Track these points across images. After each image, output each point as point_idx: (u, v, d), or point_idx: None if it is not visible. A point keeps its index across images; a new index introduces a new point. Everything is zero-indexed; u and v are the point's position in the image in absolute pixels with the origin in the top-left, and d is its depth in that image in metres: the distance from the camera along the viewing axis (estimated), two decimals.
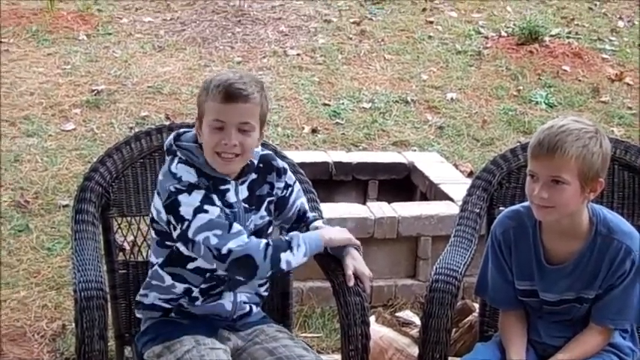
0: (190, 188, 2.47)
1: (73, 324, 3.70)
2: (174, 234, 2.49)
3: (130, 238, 2.93)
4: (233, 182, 2.55)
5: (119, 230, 2.89)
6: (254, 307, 2.67)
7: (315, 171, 4.59)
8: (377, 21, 8.33)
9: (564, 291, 2.57)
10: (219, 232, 2.43)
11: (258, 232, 2.59)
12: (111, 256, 2.82)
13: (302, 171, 2.93)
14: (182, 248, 2.53)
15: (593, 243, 2.53)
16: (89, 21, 7.94)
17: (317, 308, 4.06)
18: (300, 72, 7.12)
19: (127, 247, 2.98)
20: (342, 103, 6.59)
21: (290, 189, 2.71)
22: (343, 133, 6.12)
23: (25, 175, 5.24)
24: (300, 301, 4.04)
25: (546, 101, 6.91)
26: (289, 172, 2.72)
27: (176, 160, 2.52)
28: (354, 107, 6.56)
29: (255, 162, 2.62)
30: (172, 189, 2.47)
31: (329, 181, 4.81)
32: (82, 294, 2.45)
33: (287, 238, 2.52)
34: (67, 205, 4.88)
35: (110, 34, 7.73)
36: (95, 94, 6.42)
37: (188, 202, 2.45)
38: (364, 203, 4.56)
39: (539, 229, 2.57)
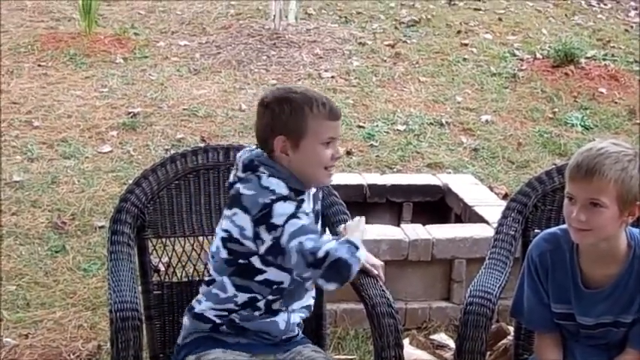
0: (284, 198, 2.50)
1: (109, 344, 3.75)
2: (262, 248, 2.49)
3: (165, 259, 2.95)
4: (307, 193, 2.62)
5: (154, 251, 2.91)
6: (299, 331, 2.69)
7: (349, 193, 4.58)
8: (411, 43, 8.35)
9: (601, 315, 2.54)
10: (313, 236, 2.46)
11: None
12: (146, 277, 2.84)
13: (336, 193, 2.93)
14: (257, 263, 2.54)
15: (631, 267, 2.50)
16: (126, 44, 8.04)
17: (351, 330, 4.05)
18: (335, 94, 7.14)
19: (162, 268, 2.99)
20: (377, 126, 6.59)
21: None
22: (377, 155, 6.12)
23: (62, 196, 5.30)
24: (334, 323, 4.03)
25: (582, 124, 6.87)
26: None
27: (265, 175, 2.54)
28: (388, 129, 6.56)
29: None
30: (267, 201, 2.49)
31: (363, 204, 4.80)
32: (118, 314, 2.46)
33: (344, 240, 2.53)
34: (103, 227, 4.92)
35: (146, 57, 7.81)
36: (131, 117, 6.49)
37: (282, 211, 2.47)
38: (398, 225, 4.55)
39: (576, 252, 2.55)
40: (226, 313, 2.59)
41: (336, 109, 2.58)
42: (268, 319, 2.60)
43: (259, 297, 2.58)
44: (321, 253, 2.41)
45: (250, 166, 2.56)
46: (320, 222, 2.74)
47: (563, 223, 2.91)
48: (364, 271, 2.68)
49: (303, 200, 2.58)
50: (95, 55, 7.74)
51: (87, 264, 4.59)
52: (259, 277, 2.56)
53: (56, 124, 6.35)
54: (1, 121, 6.33)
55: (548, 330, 2.63)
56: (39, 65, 7.51)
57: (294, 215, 2.48)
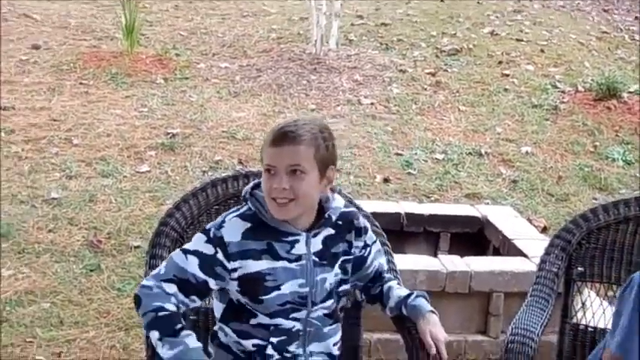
0: (207, 233, 2.44)
1: None
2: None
3: None
4: (304, 234, 2.49)
5: None
6: None
7: (386, 221, 4.52)
8: (452, 72, 8.31)
9: None
10: (154, 273, 2.43)
11: (332, 291, 2.54)
12: None
13: (377, 222, 2.89)
14: (243, 300, 2.49)
15: None
16: (167, 65, 8.09)
17: None
18: (374, 121, 7.12)
19: None
20: (415, 154, 6.56)
21: (369, 249, 2.64)
22: (415, 184, 6.08)
23: (99, 215, 5.31)
24: (368, 353, 3.99)
25: (623, 158, 6.79)
26: (370, 232, 2.65)
27: (239, 212, 2.48)
28: (426, 158, 6.52)
29: (334, 217, 2.55)
30: (205, 227, 2.47)
31: (400, 232, 4.76)
32: None
33: (182, 342, 2.35)
34: (138, 247, 4.93)
35: (187, 78, 7.85)
36: (170, 137, 6.51)
37: (179, 255, 2.44)
38: (435, 256, 4.50)
39: None
40: (247, 354, 2.52)
41: (279, 135, 2.39)
42: None
43: (262, 342, 2.49)
44: (139, 286, 2.43)
45: (244, 197, 2.51)
46: (344, 264, 2.56)
47: (609, 262, 2.87)
48: (421, 346, 2.53)
49: (289, 241, 2.46)
50: (136, 75, 7.80)
51: (121, 284, 4.59)
52: (253, 321, 2.49)
53: (95, 143, 6.38)
54: (41, 138, 6.37)
55: None
56: (80, 83, 7.57)
57: (185, 250, 2.44)
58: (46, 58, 8.13)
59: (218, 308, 2.57)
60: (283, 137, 2.39)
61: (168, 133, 6.58)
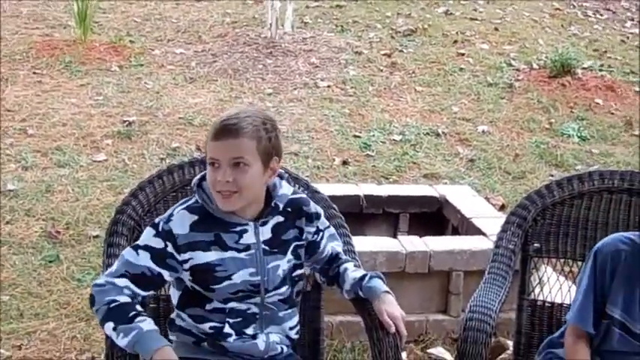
0: (155, 226, 2.47)
1: (102, 356, 3.72)
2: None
3: None
4: (251, 223, 2.51)
5: None
6: (285, 348, 2.63)
7: (345, 204, 4.54)
8: (408, 53, 8.34)
9: None
10: (107, 271, 2.47)
11: (285, 277, 2.56)
12: None
13: (335, 206, 2.90)
14: (197, 287, 2.50)
15: None
16: (121, 52, 8.01)
17: (347, 343, 4.02)
18: (331, 104, 7.13)
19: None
20: (373, 135, 6.57)
21: (321, 234, 2.66)
22: (374, 165, 6.10)
23: (57, 205, 5.26)
24: (330, 335, 4.00)
25: (579, 134, 6.86)
26: (322, 218, 2.66)
27: (186, 204, 2.51)
28: (384, 139, 6.55)
29: (281, 205, 2.57)
30: (154, 221, 2.50)
31: (359, 214, 4.78)
32: None
33: (137, 327, 2.35)
34: (97, 236, 4.89)
35: (142, 65, 7.79)
36: (127, 125, 6.46)
37: (130, 252, 2.47)
38: (395, 237, 4.52)
39: None
40: (205, 334, 2.54)
41: (221, 129, 2.41)
42: (248, 342, 2.54)
43: (219, 324, 2.51)
44: (93, 284, 2.46)
45: (192, 189, 2.53)
46: (296, 250, 2.59)
47: (564, 237, 2.91)
48: (381, 326, 2.54)
49: (237, 232, 2.49)
50: (90, 63, 7.72)
51: (81, 274, 4.56)
52: (209, 306, 2.51)
53: (51, 132, 6.31)
54: None
55: (588, 330, 2.58)
56: (34, 73, 7.48)
57: (135, 246, 2.47)
58: None
59: (174, 295, 2.58)
60: (225, 130, 2.40)
61: (125, 121, 6.53)
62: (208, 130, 2.48)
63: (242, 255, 2.49)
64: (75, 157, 5.93)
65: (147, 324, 2.36)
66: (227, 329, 2.51)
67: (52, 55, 7.84)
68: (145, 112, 6.73)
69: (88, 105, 6.84)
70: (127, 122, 6.51)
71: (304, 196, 2.67)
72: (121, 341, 2.34)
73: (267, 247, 2.53)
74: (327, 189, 3.49)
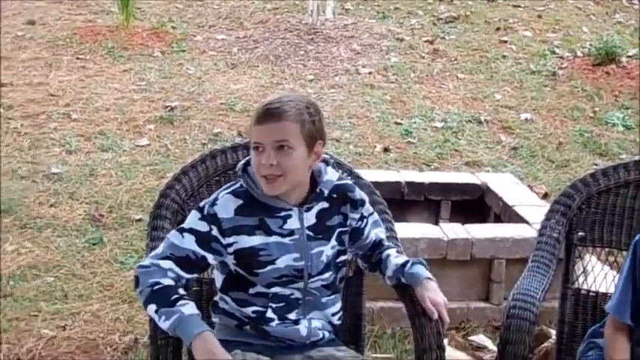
0: (201, 210, 2.47)
1: (145, 338, 3.77)
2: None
3: None
4: (296, 209, 2.51)
5: None
6: (327, 333, 2.63)
7: (386, 190, 4.52)
8: (450, 40, 8.29)
9: None
10: (153, 253, 2.48)
11: (329, 263, 2.56)
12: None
13: (378, 192, 2.90)
14: (241, 272, 2.51)
15: None
16: (164, 38, 8.06)
17: (387, 329, 4.02)
18: (372, 90, 7.11)
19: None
20: (414, 122, 6.55)
21: (365, 220, 2.65)
22: (415, 152, 6.08)
23: (100, 189, 5.32)
24: (371, 321, 4.00)
25: (623, 123, 6.78)
26: (367, 205, 2.66)
27: (231, 189, 2.51)
28: (426, 126, 6.52)
29: (326, 191, 2.56)
30: (199, 205, 2.50)
31: (401, 201, 4.77)
32: None
33: (178, 310, 2.36)
34: (140, 220, 4.94)
35: (184, 51, 7.83)
36: (169, 111, 6.50)
37: (187, 219, 2.48)
38: (436, 224, 4.51)
39: None
40: (248, 318, 2.55)
41: (264, 113, 2.40)
42: (290, 327, 2.54)
43: (262, 309, 2.52)
44: (137, 265, 2.45)
45: (237, 174, 2.54)
46: (340, 236, 2.58)
47: (609, 226, 2.88)
48: (423, 313, 2.53)
49: (281, 217, 2.48)
50: (133, 49, 7.77)
51: (124, 257, 4.60)
52: (252, 290, 2.51)
53: (94, 117, 6.37)
54: (40, 114, 6.36)
55: (625, 322, 2.54)
56: (77, 58, 7.55)
57: (180, 229, 2.47)
58: (42, 33, 8.10)
59: (218, 278, 2.59)
60: (268, 114, 2.40)
61: (167, 106, 6.57)
62: (251, 115, 2.49)
63: (286, 240, 2.49)
64: (118, 142, 5.98)
65: (188, 308, 2.37)
66: (270, 314, 2.52)
67: (95, 40, 7.90)
68: (186, 98, 6.77)
69: (131, 90, 6.89)
70: (170, 107, 6.55)
71: (349, 182, 2.65)
72: (163, 324, 2.36)
73: (311, 233, 2.52)
74: (368, 175, 3.48)
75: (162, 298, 2.38)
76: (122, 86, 6.97)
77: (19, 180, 5.39)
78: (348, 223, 2.60)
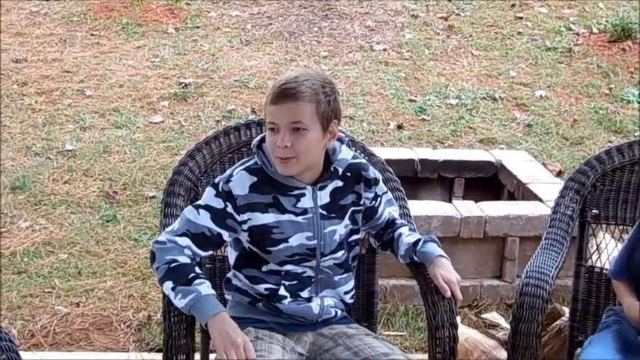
0: (216, 186, 2.47)
1: (159, 315, 3.79)
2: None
3: None
4: (309, 187, 2.50)
5: None
6: (339, 311, 2.63)
7: (400, 168, 4.52)
8: (465, 16, 8.23)
9: None
10: (169, 229, 2.48)
11: (342, 242, 2.56)
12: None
13: (390, 169, 2.89)
14: (254, 248, 2.52)
15: None
16: (178, 14, 8.04)
17: (400, 306, 4.03)
18: (387, 67, 7.08)
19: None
20: (429, 99, 6.52)
21: (379, 199, 2.64)
22: (429, 130, 6.06)
23: (114, 166, 5.33)
24: (384, 299, 4.01)
25: (639, 100, 6.73)
26: (381, 184, 2.65)
27: (246, 165, 2.50)
28: (440, 103, 6.49)
29: (341, 170, 2.55)
30: (214, 181, 2.49)
31: (414, 179, 4.77)
32: None
33: (195, 289, 2.37)
34: (154, 197, 4.95)
35: (198, 27, 7.81)
36: (183, 87, 6.50)
37: (191, 211, 2.48)
38: (449, 201, 4.50)
39: None
40: (260, 295, 2.55)
41: (280, 93, 2.38)
42: (302, 305, 2.55)
43: (275, 286, 2.52)
44: (153, 241, 2.47)
45: (252, 151, 2.53)
46: (353, 215, 2.57)
47: (623, 204, 2.87)
48: (436, 290, 2.53)
49: (295, 195, 2.48)
50: (147, 25, 7.76)
51: (137, 234, 4.62)
52: (265, 268, 2.52)
53: (108, 94, 6.38)
54: (54, 90, 6.37)
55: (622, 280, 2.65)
56: (91, 34, 7.55)
57: (196, 206, 2.47)
58: (57, 9, 8.09)
59: (232, 255, 2.60)
60: (284, 94, 2.39)
61: (181, 83, 6.57)
62: (264, 92, 2.48)
63: (299, 218, 2.49)
64: (132, 119, 5.99)
65: (205, 287, 2.38)
66: (282, 291, 2.52)
67: (109, 17, 7.89)
68: (200, 75, 6.76)
69: (145, 67, 6.89)
70: (183, 84, 6.55)
71: (364, 161, 2.64)
72: (179, 302, 2.37)
73: (324, 212, 2.52)
74: (382, 152, 3.47)
75: (180, 275, 2.39)
76: (136, 63, 6.97)
77: (33, 157, 5.41)
78: (361, 202, 2.60)
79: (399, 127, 6.06)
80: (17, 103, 6.16)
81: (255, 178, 2.48)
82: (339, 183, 2.55)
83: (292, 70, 2.28)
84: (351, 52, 7.37)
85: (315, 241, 2.50)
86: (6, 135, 5.66)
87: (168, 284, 2.39)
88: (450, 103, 6.50)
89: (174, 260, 2.41)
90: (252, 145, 2.53)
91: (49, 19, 7.90)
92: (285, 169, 2.45)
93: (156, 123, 5.96)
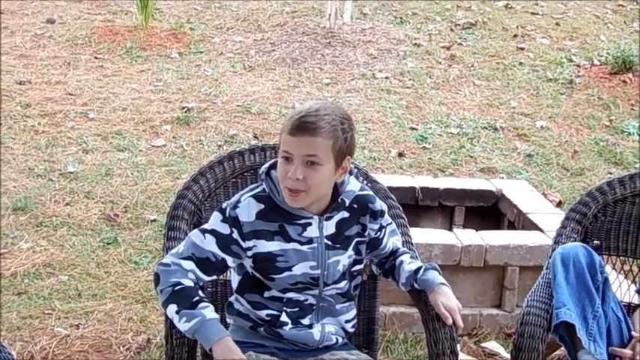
0: (223, 212, 2.47)
1: (158, 338, 3.79)
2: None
3: None
4: (316, 217, 2.51)
5: None
6: (340, 339, 2.64)
7: (401, 195, 4.53)
8: (467, 46, 8.28)
9: None
10: (174, 251, 2.49)
11: (345, 272, 2.57)
12: None
13: (393, 196, 2.91)
14: (257, 274, 2.52)
15: None
16: (181, 39, 8.09)
17: (400, 334, 4.02)
18: (389, 95, 7.12)
19: None
20: (430, 128, 6.55)
21: (384, 230, 2.66)
22: (430, 158, 6.08)
23: (116, 189, 5.34)
24: (383, 326, 4.00)
25: (639, 132, 6.75)
26: (386, 215, 2.66)
27: (254, 192, 2.51)
28: (441, 132, 6.52)
29: (348, 201, 2.56)
30: (222, 206, 2.50)
31: (415, 206, 4.77)
32: None
33: (200, 314, 2.37)
34: (155, 220, 4.96)
35: (202, 52, 7.85)
36: (185, 112, 6.52)
37: (210, 220, 2.48)
38: (450, 230, 4.51)
39: None
40: (262, 320, 2.56)
41: (299, 125, 2.37)
42: (304, 331, 2.55)
43: (276, 312, 2.53)
44: (156, 269, 2.46)
45: (260, 177, 2.53)
46: (357, 246, 2.58)
47: (625, 235, 2.88)
48: (437, 318, 2.54)
49: (301, 224, 2.49)
50: (151, 49, 7.80)
51: (138, 257, 4.62)
52: (267, 294, 2.53)
53: (111, 117, 6.40)
54: (57, 112, 6.40)
55: None
56: (95, 57, 7.58)
57: (202, 230, 2.48)
58: (61, 32, 8.14)
59: (235, 279, 2.61)
60: (303, 127, 2.39)
61: (184, 107, 6.59)
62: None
63: (304, 248, 2.50)
64: (134, 142, 6.01)
65: (209, 311, 2.38)
66: (284, 318, 2.53)
67: (114, 40, 7.94)
68: (203, 99, 6.79)
69: (148, 90, 6.92)
70: (186, 108, 6.57)
71: (371, 192, 2.65)
72: (182, 326, 2.37)
73: (329, 242, 2.53)
74: (383, 180, 3.48)
75: (184, 299, 2.40)
76: (139, 86, 7.00)
77: (35, 178, 5.42)
78: (366, 234, 2.61)
79: (400, 154, 6.08)
80: (20, 124, 6.18)
81: (262, 206, 2.48)
82: (346, 214, 2.57)
83: (313, 101, 2.26)
84: (354, 79, 7.41)
85: (318, 271, 2.51)
86: (8, 156, 5.68)
87: (172, 307, 2.39)
88: (451, 132, 6.52)
89: (179, 283, 2.42)
90: (260, 172, 2.54)
91: (53, 41, 7.95)
92: (293, 202, 2.46)
93: (158, 147, 5.98)
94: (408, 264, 2.67)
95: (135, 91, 6.89)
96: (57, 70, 7.26)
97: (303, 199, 2.45)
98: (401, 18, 9.02)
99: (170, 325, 2.42)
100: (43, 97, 6.67)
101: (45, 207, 5.06)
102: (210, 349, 2.34)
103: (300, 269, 2.49)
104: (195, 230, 2.51)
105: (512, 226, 4.64)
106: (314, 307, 2.56)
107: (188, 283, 2.42)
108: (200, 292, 2.43)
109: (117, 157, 5.77)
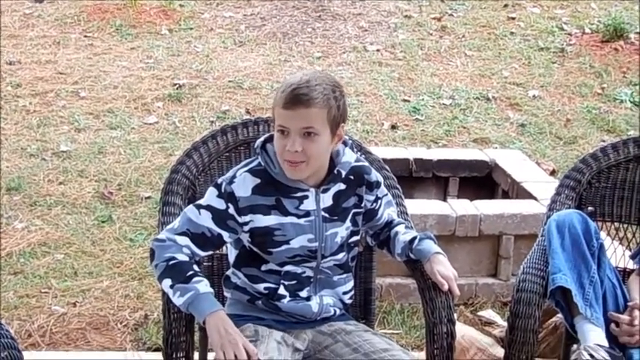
0: (218, 187, 2.47)
1: (155, 314, 3.80)
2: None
3: None
4: (313, 190, 2.51)
5: None
6: (337, 310, 2.65)
7: (395, 167, 4.50)
8: (458, 17, 8.25)
9: None
10: (169, 227, 2.49)
11: (343, 244, 2.57)
12: None
13: (387, 167, 2.91)
14: (255, 248, 2.53)
15: None
16: (171, 16, 8.04)
17: (396, 304, 4.04)
18: (380, 68, 7.10)
19: None
20: (422, 99, 6.54)
21: (380, 201, 2.66)
22: (423, 130, 6.08)
23: (109, 166, 5.33)
24: (380, 297, 4.03)
25: (631, 99, 6.76)
26: (382, 186, 2.66)
27: (249, 167, 2.50)
28: (434, 103, 6.51)
29: (344, 172, 2.56)
30: (217, 181, 2.50)
31: (409, 178, 4.78)
32: None
33: (193, 287, 2.38)
34: (149, 197, 4.96)
35: (192, 28, 7.81)
36: (177, 88, 6.50)
37: (193, 211, 2.48)
38: (444, 200, 4.52)
39: None
40: (260, 294, 2.57)
41: (292, 98, 2.37)
42: (302, 304, 2.56)
43: (274, 285, 2.54)
44: (153, 238, 2.48)
45: (256, 151, 2.53)
46: (354, 217, 2.59)
47: (619, 201, 2.89)
48: (434, 286, 2.55)
49: (297, 197, 2.49)
50: (140, 26, 7.76)
51: (133, 234, 4.62)
52: (264, 267, 2.53)
53: (102, 95, 6.38)
54: (48, 92, 6.37)
55: None
56: (85, 36, 7.54)
57: (198, 205, 2.48)
58: (50, 11, 8.08)
59: (232, 253, 2.61)
60: (296, 100, 2.38)
61: (175, 84, 6.57)
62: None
63: (301, 221, 2.50)
64: (126, 120, 6.00)
65: (203, 285, 2.39)
66: (281, 290, 2.54)
67: (103, 18, 7.89)
68: (194, 76, 6.77)
69: (139, 68, 6.89)
70: (177, 85, 6.55)
71: (366, 163, 2.65)
72: (177, 300, 2.38)
73: (326, 215, 2.53)
74: (376, 152, 3.48)
75: (178, 273, 2.40)
76: (130, 64, 6.97)
77: (28, 158, 5.41)
78: (362, 205, 2.61)
79: (393, 127, 6.08)
80: (11, 104, 6.16)
81: (258, 180, 2.48)
82: (342, 186, 2.57)
83: (303, 72, 2.24)
84: (345, 52, 7.39)
85: (316, 243, 2.52)
86: (1, 137, 5.66)
87: (167, 282, 2.40)
88: (443, 103, 6.52)
89: (173, 258, 2.42)
90: (255, 146, 2.53)
91: (42, 21, 7.89)
92: (294, 174, 2.45)
93: (150, 124, 5.96)
94: (403, 234, 2.68)
95: (125, 69, 6.86)
96: (47, 50, 7.22)
97: (304, 170, 2.45)
98: None
99: (167, 300, 2.42)
100: (33, 76, 6.64)
101: (39, 186, 5.05)
102: (204, 322, 2.35)
103: (298, 242, 2.49)
104: (191, 206, 2.51)
105: (506, 195, 4.65)
106: (312, 280, 2.57)
107: (182, 257, 2.43)
108: (195, 267, 2.43)
109: (109, 135, 5.75)
